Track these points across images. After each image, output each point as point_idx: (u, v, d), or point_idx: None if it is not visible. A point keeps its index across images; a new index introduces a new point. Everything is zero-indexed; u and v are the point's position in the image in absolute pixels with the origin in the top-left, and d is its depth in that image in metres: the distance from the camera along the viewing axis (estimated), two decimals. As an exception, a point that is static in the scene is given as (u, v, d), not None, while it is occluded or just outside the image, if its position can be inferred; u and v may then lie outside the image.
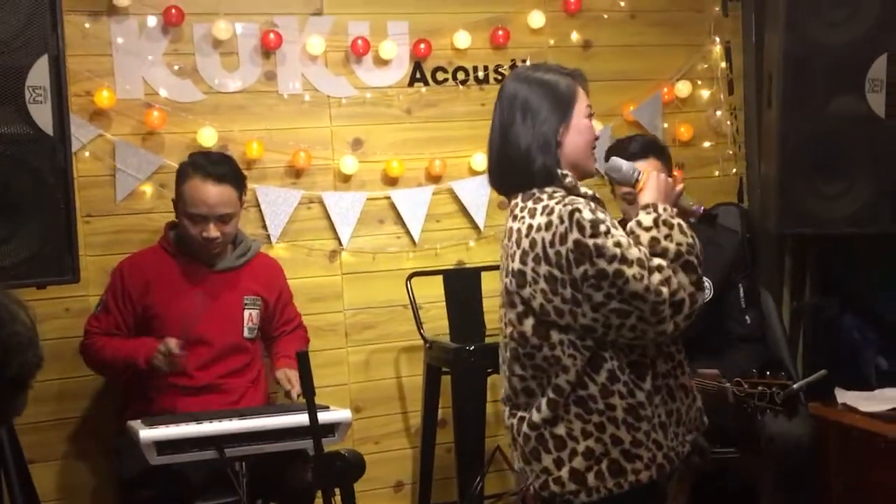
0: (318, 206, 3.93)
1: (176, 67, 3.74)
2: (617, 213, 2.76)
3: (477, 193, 4.08)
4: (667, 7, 4.38)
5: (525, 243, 2.33)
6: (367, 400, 4.04)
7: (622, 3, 4.31)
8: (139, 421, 2.96)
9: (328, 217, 3.93)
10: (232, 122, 3.81)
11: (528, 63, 4.11)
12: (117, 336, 3.37)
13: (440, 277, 3.92)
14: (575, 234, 2.26)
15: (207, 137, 3.73)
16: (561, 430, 2.36)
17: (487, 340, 3.68)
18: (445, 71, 4.09)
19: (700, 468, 3.23)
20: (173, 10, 3.68)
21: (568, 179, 2.41)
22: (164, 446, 2.82)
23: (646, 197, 2.45)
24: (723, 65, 4.45)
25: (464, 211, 4.11)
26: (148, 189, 3.71)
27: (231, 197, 3.34)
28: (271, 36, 3.79)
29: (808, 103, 3.79)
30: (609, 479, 2.34)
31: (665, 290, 2.27)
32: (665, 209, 2.40)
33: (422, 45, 4.00)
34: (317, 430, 2.52)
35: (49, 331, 3.44)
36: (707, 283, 3.39)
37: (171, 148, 3.69)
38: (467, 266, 4.08)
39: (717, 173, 4.45)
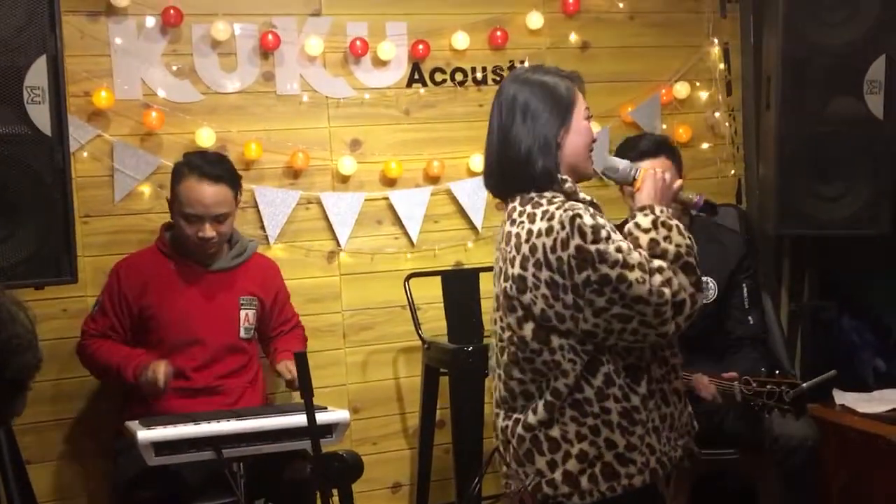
0: (317, 207, 3.93)
1: (174, 68, 3.74)
2: (615, 214, 2.75)
3: (475, 194, 4.08)
4: (665, 8, 4.38)
5: (525, 248, 2.33)
6: (365, 401, 4.04)
7: (620, 5, 4.31)
8: (137, 422, 2.96)
9: (326, 218, 3.93)
10: (230, 123, 3.81)
11: (526, 64, 4.12)
12: (113, 338, 3.36)
13: (438, 278, 3.92)
14: (577, 240, 2.26)
15: (206, 138, 3.73)
16: (555, 432, 2.36)
17: (485, 341, 3.68)
18: (444, 72, 4.09)
19: (692, 471, 3.25)
20: (172, 11, 3.67)
21: (567, 184, 2.41)
22: (161, 447, 2.82)
23: (643, 197, 2.46)
24: (721, 66, 4.45)
25: (462, 212, 4.11)
26: (146, 189, 3.71)
27: (227, 197, 3.34)
28: (270, 37, 3.79)
29: (806, 105, 3.80)
30: (602, 482, 2.34)
31: (667, 291, 2.27)
32: (662, 210, 2.40)
33: (420, 46, 4.00)
34: (315, 431, 2.52)
35: (47, 331, 3.43)
36: (711, 282, 3.41)
37: (170, 148, 3.68)
38: (465, 267, 4.08)
39: (715, 175, 4.45)
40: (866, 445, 3.61)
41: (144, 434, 2.80)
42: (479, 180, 3.92)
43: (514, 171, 2.40)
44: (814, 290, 4.33)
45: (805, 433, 3.29)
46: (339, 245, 3.95)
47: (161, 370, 3.16)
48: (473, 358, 3.59)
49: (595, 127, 4.18)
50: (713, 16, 4.44)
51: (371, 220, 4.01)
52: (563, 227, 2.27)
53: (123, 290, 3.37)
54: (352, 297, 4.00)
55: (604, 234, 2.27)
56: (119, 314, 3.36)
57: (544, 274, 2.29)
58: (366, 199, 3.98)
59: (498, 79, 4.09)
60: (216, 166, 3.35)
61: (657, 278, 2.27)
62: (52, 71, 2.96)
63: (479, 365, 3.59)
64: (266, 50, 3.82)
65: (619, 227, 2.41)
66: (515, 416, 2.43)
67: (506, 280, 2.39)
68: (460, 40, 4.05)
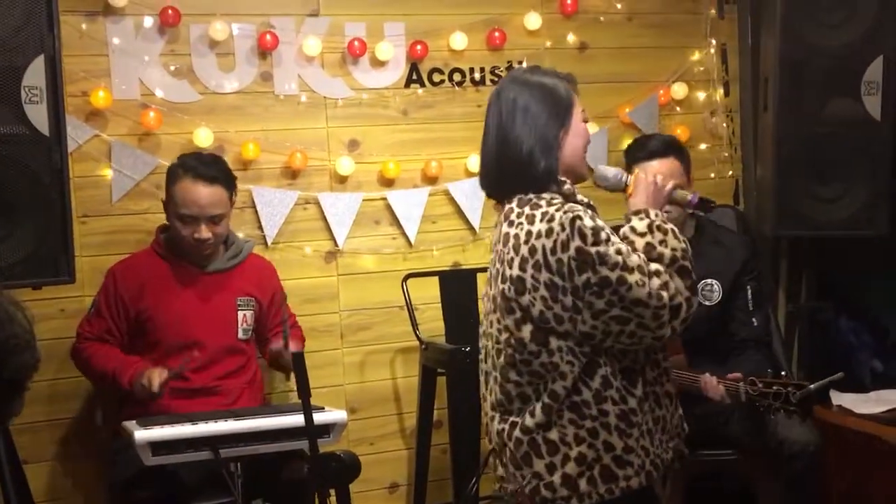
0: (315, 207, 3.93)
1: (172, 68, 3.74)
2: (609, 215, 2.75)
3: (473, 195, 4.08)
4: (663, 9, 4.39)
5: (524, 250, 2.32)
6: (362, 401, 4.04)
7: (618, 6, 4.31)
8: (134, 421, 2.95)
9: (324, 218, 3.93)
10: (228, 123, 3.81)
11: (524, 65, 4.12)
12: (109, 342, 3.36)
13: (436, 279, 3.92)
14: (577, 242, 2.26)
15: (203, 138, 3.73)
16: (554, 435, 2.36)
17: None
18: (442, 72, 4.09)
19: (687, 471, 3.25)
20: (170, 11, 3.67)
21: (566, 186, 2.41)
22: (159, 447, 2.81)
23: (637, 202, 2.46)
24: (719, 67, 4.45)
25: (460, 212, 4.11)
26: (144, 190, 3.71)
27: (222, 197, 3.34)
28: (268, 37, 3.79)
29: (803, 106, 3.80)
30: (601, 484, 2.35)
31: (665, 294, 2.28)
32: (657, 214, 2.41)
33: (418, 47, 4.00)
34: (312, 431, 2.52)
35: (44, 331, 3.38)
36: (715, 284, 3.41)
37: (168, 149, 3.68)
38: (463, 267, 4.08)
39: (713, 175, 4.45)
40: (864, 446, 3.61)
41: (142, 434, 2.80)
42: (477, 181, 3.94)
43: (515, 172, 2.40)
44: (811, 291, 4.33)
45: (807, 438, 3.29)
46: (336, 245, 3.95)
47: (156, 379, 3.15)
48: (471, 358, 3.58)
49: (593, 128, 4.22)
50: (711, 17, 4.44)
51: (369, 221, 4.01)
52: (563, 229, 2.27)
53: (120, 293, 3.36)
54: (349, 297, 4.00)
55: (604, 236, 2.27)
56: (115, 317, 3.36)
57: (543, 276, 2.29)
58: (364, 200, 3.98)
59: (496, 79, 4.09)
60: (211, 167, 3.34)
61: (655, 282, 2.28)
62: (49, 71, 2.96)
63: (477, 365, 3.58)
64: (264, 50, 3.82)
65: (615, 230, 2.41)
66: (512, 419, 2.42)
67: (503, 282, 2.38)
68: (458, 41, 4.06)
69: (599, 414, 2.34)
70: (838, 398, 3.90)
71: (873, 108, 3.75)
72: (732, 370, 3.10)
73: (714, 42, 4.44)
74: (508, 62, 4.16)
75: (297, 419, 2.74)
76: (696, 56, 4.42)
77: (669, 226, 2.40)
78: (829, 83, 3.78)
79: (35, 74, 2.94)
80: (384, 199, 4.02)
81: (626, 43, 4.34)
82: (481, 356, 2.58)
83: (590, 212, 2.34)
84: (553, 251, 2.28)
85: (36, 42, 2.94)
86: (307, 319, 3.84)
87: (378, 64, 3.99)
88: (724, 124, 4.47)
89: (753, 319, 3.43)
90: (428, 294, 3.95)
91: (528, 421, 2.38)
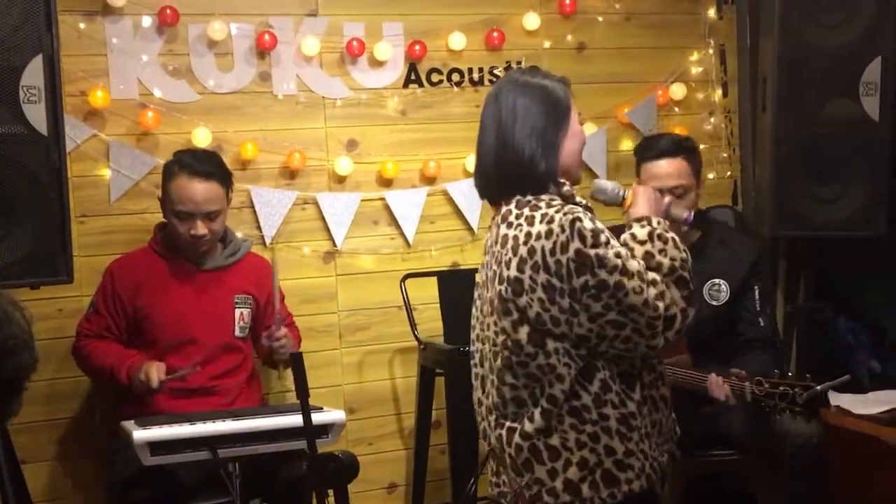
0: (313, 207, 3.93)
1: (171, 68, 3.74)
2: (607, 215, 2.75)
3: (471, 195, 4.05)
4: (661, 10, 4.39)
5: (523, 251, 2.31)
6: (360, 401, 4.04)
7: (617, 6, 4.31)
8: (132, 421, 2.95)
9: (323, 218, 3.93)
10: (226, 123, 3.80)
11: (522, 66, 4.12)
12: (108, 339, 3.36)
13: (434, 279, 3.92)
14: (576, 244, 2.25)
15: (202, 138, 3.72)
16: (555, 440, 2.35)
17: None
18: (440, 72, 4.09)
19: (687, 472, 3.25)
20: (168, 11, 3.67)
21: (566, 188, 2.41)
22: (157, 447, 2.81)
23: (639, 210, 2.46)
24: (717, 67, 4.45)
25: (458, 213, 4.11)
26: (142, 189, 3.70)
27: (218, 193, 3.34)
28: (266, 37, 3.79)
29: (802, 106, 3.80)
30: (603, 489, 2.34)
31: (661, 304, 2.28)
32: (659, 222, 2.41)
33: (417, 47, 4.00)
34: (311, 432, 2.52)
35: (42, 331, 3.41)
36: (723, 285, 3.40)
37: (166, 148, 3.68)
38: (461, 268, 4.08)
39: (711, 176, 4.44)
40: (862, 446, 3.61)
41: (140, 434, 2.80)
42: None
43: (515, 175, 2.39)
44: (809, 291, 4.33)
45: (811, 430, 3.29)
46: (335, 245, 3.95)
47: (153, 372, 3.15)
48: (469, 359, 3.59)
49: (592, 128, 4.23)
50: (709, 17, 4.45)
51: (367, 221, 4.01)
52: (562, 231, 2.27)
53: (117, 291, 3.36)
54: (348, 297, 4.00)
55: (603, 238, 2.27)
56: (114, 314, 3.36)
57: (542, 277, 2.29)
58: (362, 200, 3.97)
59: (494, 79, 4.08)
60: (206, 163, 3.35)
61: (652, 290, 2.27)
62: (48, 70, 2.96)
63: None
64: (262, 50, 3.82)
65: (616, 232, 2.41)
66: (508, 424, 2.41)
67: (500, 283, 2.37)
68: (457, 41, 4.06)
69: (600, 418, 2.34)
70: (836, 398, 3.90)
71: (871, 108, 3.75)
72: (737, 369, 3.11)
73: (712, 42, 4.44)
74: (507, 62, 4.16)
75: (296, 419, 2.74)
76: (694, 56, 4.43)
77: (671, 235, 2.39)
78: (828, 84, 3.78)
79: (33, 74, 2.94)
80: (382, 199, 4.02)
81: (624, 43, 4.34)
82: (474, 361, 2.57)
83: (589, 214, 2.33)
84: (552, 252, 2.27)
85: (34, 42, 2.94)
86: (305, 319, 3.84)
87: (376, 64, 3.99)
88: (723, 125, 4.47)
89: (760, 320, 3.42)
90: (426, 294, 3.95)
91: (528, 427, 2.37)
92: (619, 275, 2.25)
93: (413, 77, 4.05)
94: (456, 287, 3.85)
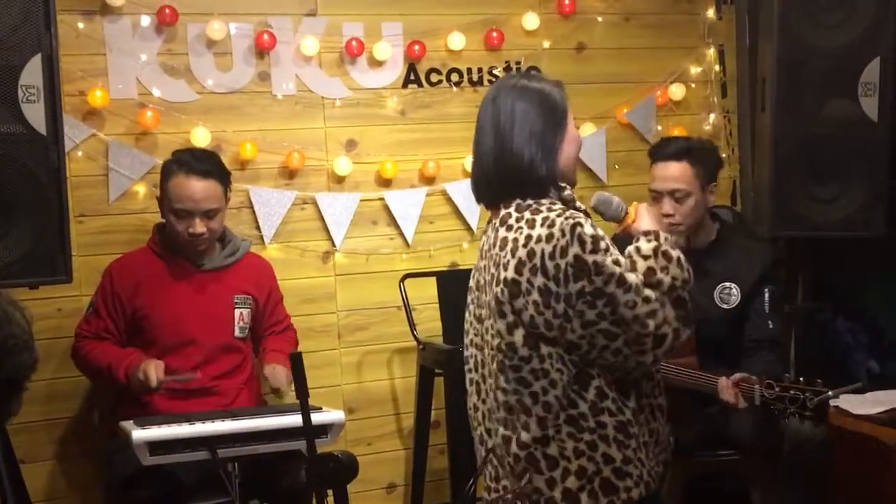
0: (312, 207, 3.93)
1: (169, 67, 3.74)
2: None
3: (470, 195, 3.96)
4: (661, 10, 4.39)
5: (522, 252, 2.30)
6: (360, 401, 4.04)
7: (616, 6, 4.31)
8: (132, 421, 2.94)
9: (321, 218, 3.93)
10: (225, 123, 3.80)
11: (521, 66, 4.13)
12: (108, 340, 3.35)
13: (433, 279, 3.92)
14: (576, 249, 2.24)
15: (201, 138, 3.72)
16: (553, 449, 2.34)
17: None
18: (439, 72, 4.09)
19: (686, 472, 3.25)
20: (167, 10, 3.67)
21: (566, 192, 2.41)
22: (156, 447, 2.80)
23: (645, 224, 2.45)
24: (716, 68, 4.46)
25: (457, 213, 4.11)
26: (141, 189, 3.70)
27: (216, 192, 3.34)
28: (265, 36, 3.79)
29: (801, 107, 3.80)
30: (602, 497, 2.33)
31: (651, 322, 2.27)
32: (666, 239, 2.39)
33: (416, 47, 4.00)
34: (310, 432, 2.51)
35: (41, 331, 3.39)
36: (734, 288, 3.40)
37: (165, 148, 3.67)
38: (461, 268, 4.08)
39: (710, 176, 4.45)
40: (861, 446, 3.61)
41: (139, 434, 2.79)
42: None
43: (515, 179, 2.38)
44: (808, 291, 4.33)
45: (815, 432, 3.28)
46: (334, 245, 3.95)
47: (152, 371, 3.15)
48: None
49: (591, 128, 4.23)
50: (708, 17, 4.45)
51: (366, 221, 4.00)
52: (563, 235, 2.26)
53: (116, 291, 3.36)
54: (347, 297, 4.00)
55: (603, 245, 2.26)
56: (113, 315, 3.36)
57: (538, 280, 2.28)
58: (361, 200, 3.97)
59: (494, 80, 4.08)
60: (204, 162, 3.34)
61: (644, 308, 2.26)
62: (47, 70, 2.96)
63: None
64: (262, 50, 3.82)
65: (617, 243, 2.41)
66: (503, 431, 2.39)
67: (497, 284, 2.36)
68: (456, 41, 4.05)
69: (597, 426, 2.33)
70: (835, 399, 3.89)
71: (870, 109, 3.75)
72: (744, 370, 3.10)
73: (712, 43, 4.45)
74: (506, 62, 4.16)
75: (295, 419, 2.74)
76: (693, 57, 4.43)
77: (676, 253, 2.38)
78: (827, 84, 3.78)
79: (32, 73, 2.94)
80: (382, 199, 4.02)
81: (623, 43, 4.34)
82: (468, 366, 2.55)
83: (590, 220, 2.32)
84: (552, 256, 2.26)
85: (33, 41, 2.94)
86: (304, 319, 3.84)
87: (376, 64, 3.99)
88: (722, 125, 4.48)
89: (769, 322, 3.39)
90: (425, 294, 3.95)
91: (524, 436, 2.35)
92: (614, 285, 2.24)
93: (412, 77, 4.05)
94: (455, 287, 3.83)
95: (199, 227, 3.30)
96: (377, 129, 4.01)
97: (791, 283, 4.36)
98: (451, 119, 4.09)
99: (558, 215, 2.30)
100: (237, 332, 3.46)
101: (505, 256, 2.34)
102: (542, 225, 2.30)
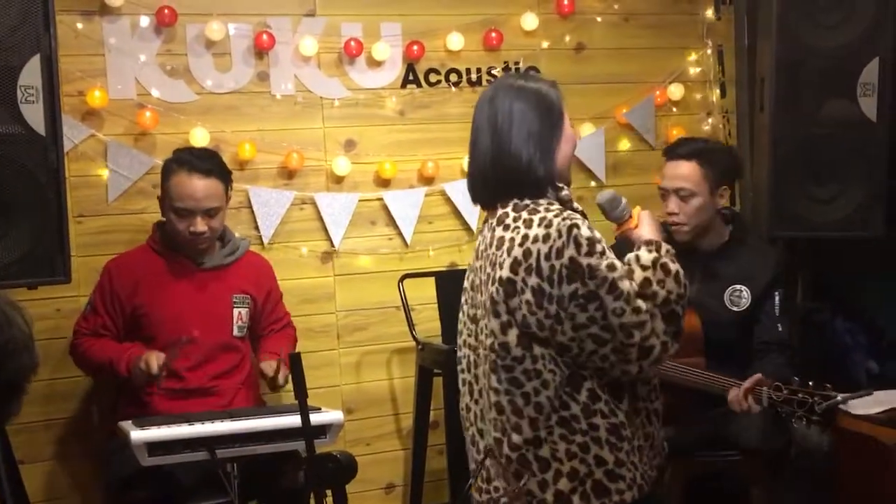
0: (311, 208, 3.93)
1: (168, 68, 3.74)
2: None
3: (469, 195, 4.07)
4: (660, 10, 4.39)
5: (518, 252, 2.30)
6: (358, 401, 4.04)
7: (615, 6, 4.31)
8: (130, 422, 2.94)
9: (320, 218, 3.93)
10: (224, 123, 3.80)
11: (520, 66, 4.12)
12: (105, 337, 3.35)
13: (432, 279, 3.92)
14: (571, 251, 2.24)
15: (200, 138, 3.72)
16: (545, 451, 2.33)
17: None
18: (438, 73, 4.09)
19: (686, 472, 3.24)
20: (166, 11, 3.67)
21: (564, 192, 2.40)
22: (155, 447, 2.81)
23: (646, 232, 2.45)
24: (715, 68, 4.46)
25: (456, 213, 4.11)
26: (140, 189, 3.70)
27: (217, 190, 3.34)
28: (264, 37, 3.79)
29: (800, 107, 3.80)
30: (594, 500, 2.33)
31: (637, 333, 2.25)
32: (668, 251, 2.38)
33: (415, 47, 4.00)
34: (309, 432, 2.52)
35: (40, 331, 3.35)
36: (745, 291, 3.39)
37: (164, 148, 3.67)
38: (459, 268, 4.07)
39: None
40: (860, 446, 3.61)
41: (138, 434, 2.79)
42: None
43: (513, 179, 2.38)
44: (807, 291, 4.33)
45: (822, 437, 3.28)
46: (333, 246, 3.95)
47: (153, 361, 3.15)
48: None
49: (590, 128, 4.23)
50: (707, 18, 4.45)
51: (365, 221, 4.00)
52: (559, 236, 2.25)
53: (115, 289, 3.36)
54: (346, 297, 4.00)
55: (599, 248, 2.25)
56: (111, 313, 3.35)
57: (532, 280, 2.27)
58: (360, 200, 3.97)
59: (492, 80, 4.07)
60: (206, 161, 3.34)
61: (633, 318, 2.25)
62: (46, 70, 2.96)
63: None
64: (260, 50, 3.82)
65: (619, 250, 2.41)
66: (495, 433, 2.39)
67: (492, 283, 2.35)
68: (455, 41, 4.05)
69: (589, 428, 2.32)
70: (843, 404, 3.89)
71: (869, 109, 3.74)
72: (753, 372, 3.10)
73: (710, 43, 4.45)
74: (505, 63, 4.16)
75: (294, 420, 2.74)
76: (692, 57, 4.43)
77: (675, 267, 2.36)
78: (826, 84, 3.78)
79: (31, 74, 2.94)
80: (380, 199, 4.02)
81: (622, 44, 4.34)
82: (461, 367, 2.55)
83: (587, 222, 2.32)
84: (548, 257, 2.26)
85: (32, 42, 2.94)
86: (303, 320, 3.84)
87: (374, 64, 3.99)
88: (721, 125, 4.48)
89: (779, 325, 3.38)
90: (424, 294, 3.95)
91: (516, 438, 2.35)
92: (606, 290, 2.23)
93: (411, 77, 4.05)
94: (454, 287, 3.81)
95: (201, 225, 3.30)
96: (376, 130, 4.01)
97: (790, 284, 4.35)
98: (450, 119, 4.09)
99: (555, 216, 2.30)
100: (235, 332, 3.46)
101: (501, 256, 2.34)
102: (539, 225, 2.29)
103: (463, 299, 2.57)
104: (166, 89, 3.73)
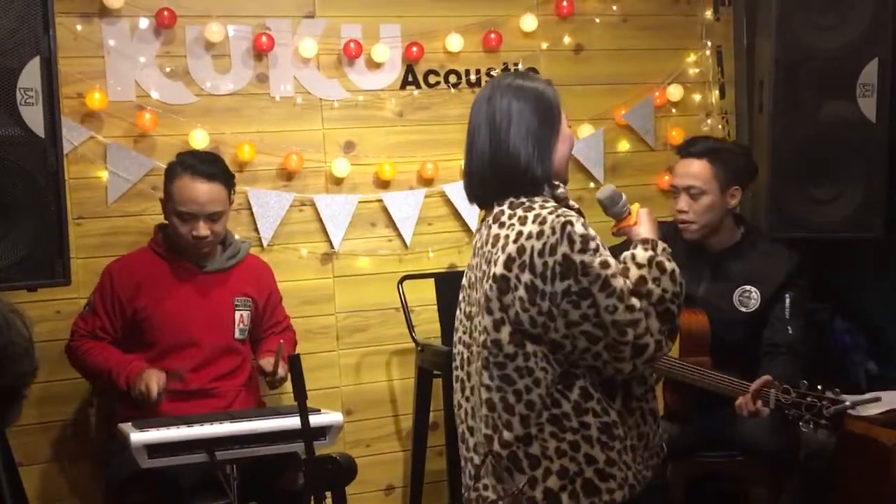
0: (310, 209, 3.93)
1: (168, 69, 3.74)
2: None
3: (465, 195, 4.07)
4: (658, 11, 4.39)
5: (512, 248, 2.29)
6: (358, 403, 4.04)
7: (614, 7, 4.31)
8: (130, 424, 2.94)
9: (320, 220, 3.93)
10: (224, 125, 3.80)
11: (519, 67, 4.12)
12: (104, 339, 3.35)
13: (432, 280, 3.92)
14: (564, 248, 2.23)
15: (199, 140, 3.72)
16: (535, 449, 2.32)
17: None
18: (437, 74, 4.09)
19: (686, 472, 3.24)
20: (165, 13, 3.66)
21: (560, 190, 2.40)
22: (154, 449, 2.81)
23: (644, 231, 2.45)
24: (714, 69, 4.46)
25: (455, 214, 4.11)
26: (140, 191, 3.70)
27: (221, 195, 3.34)
28: (263, 38, 3.79)
29: (799, 108, 3.80)
30: (584, 498, 2.31)
31: (631, 331, 2.24)
32: (664, 250, 2.37)
33: (414, 48, 4.00)
34: (308, 434, 2.52)
35: (39, 333, 3.33)
36: (754, 292, 3.39)
37: (163, 150, 3.68)
38: (459, 269, 4.07)
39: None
40: (860, 446, 3.61)
41: (137, 436, 2.80)
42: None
43: (511, 178, 2.37)
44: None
45: (826, 439, 3.27)
46: (332, 247, 3.95)
47: (153, 385, 3.14)
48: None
49: (589, 129, 4.23)
50: (706, 19, 4.45)
51: (365, 223, 4.00)
52: (553, 233, 2.25)
53: (116, 292, 3.35)
54: (345, 299, 4.00)
55: (592, 245, 2.24)
56: (111, 315, 3.35)
57: (526, 276, 2.26)
58: (359, 202, 3.97)
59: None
60: (210, 165, 3.34)
61: (626, 316, 2.23)
62: (45, 72, 2.96)
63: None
64: (260, 52, 3.82)
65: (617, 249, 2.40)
66: (486, 430, 2.37)
67: (487, 280, 2.35)
68: (454, 42, 4.05)
69: (580, 426, 2.31)
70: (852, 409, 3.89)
71: (868, 110, 3.75)
72: (762, 374, 3.09)
73: (709, 44, 4.45)
74: (504, 64, 4.16)
75: (294, 421, 2.74)
76: (691, 58, 4.43)
77: (671, 266, 2.35)
78: (825, 85, 3.78)
79: (30, 76, 2.94)
80: (380, 200, 4.02)
81: (621, 45, 4.34)
82: (455, 363, 2.54)
83: (582, 219, 2.31)
84: (541, 254, 2.25)
85: (31, 44, 2.94)
86: (303, 321, 3.84)
87: (374, 66, 3.99)
88: (720, 126, 4.48)
89: (789, 328, 3.36)
90: (424, 296, 3.96)
91: (506, 435, 2.33)
92: (599, 287, 2.22)
93: (410, 79, 4.05)
94: (453, 289, 3.78)
95: (203, 229, 3.30)
96: (375, 131, 4.01)
97: (804, 288, 4.35)
98: (450, 121, 4.09)
99: (550, 213, 2.29)
100: (237, 335, 3.46)
101: (496, 253, 2.34)
102: (533, 222, 2.29)
103: (461, 297, 2.57)
104: (166, 91, 3.73)
